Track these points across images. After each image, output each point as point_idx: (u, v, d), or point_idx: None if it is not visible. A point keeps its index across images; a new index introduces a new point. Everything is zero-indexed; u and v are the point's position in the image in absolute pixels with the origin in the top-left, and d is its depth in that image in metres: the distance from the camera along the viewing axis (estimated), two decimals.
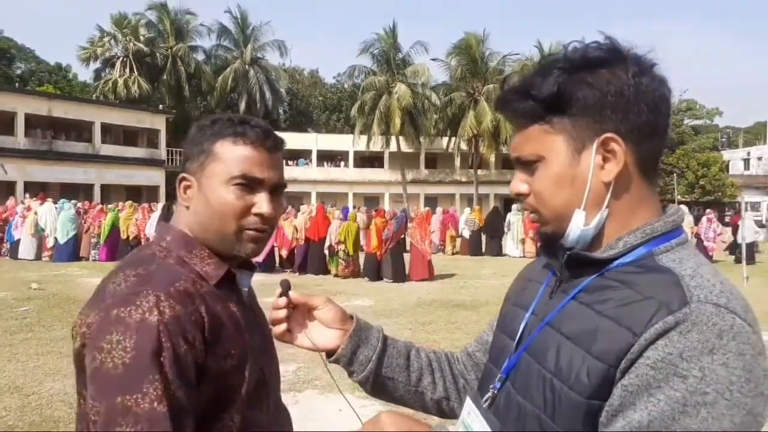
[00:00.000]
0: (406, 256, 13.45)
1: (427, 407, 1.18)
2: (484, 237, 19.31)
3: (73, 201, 17.95)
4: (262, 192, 1.13)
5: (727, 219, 34.45)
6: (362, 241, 14.55)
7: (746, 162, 57.36)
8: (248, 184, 1.11)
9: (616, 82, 0.86)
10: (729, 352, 0.73)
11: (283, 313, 1.08)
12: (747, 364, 0.73)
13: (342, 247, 13.41)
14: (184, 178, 1.16)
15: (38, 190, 25.33)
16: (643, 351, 0.75)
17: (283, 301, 1.08)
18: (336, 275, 13.49)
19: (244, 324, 1.12)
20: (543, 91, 0.87)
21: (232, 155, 1.11)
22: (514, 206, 19.80)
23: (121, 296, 0.99)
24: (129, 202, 17.39)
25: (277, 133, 1.20)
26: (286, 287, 1.11)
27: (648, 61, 0.88)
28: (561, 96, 0.86)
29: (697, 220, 16.26)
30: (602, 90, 0.85)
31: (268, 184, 1.14)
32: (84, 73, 49.02)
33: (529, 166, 0.92)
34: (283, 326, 1.08)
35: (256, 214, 1.12)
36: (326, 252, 13.70)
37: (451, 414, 1.18)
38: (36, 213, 16.40)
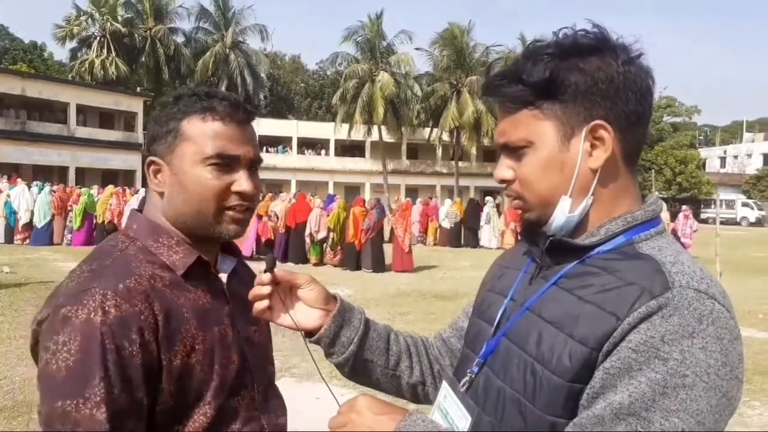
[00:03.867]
0: (386, 247, 13.47)
1: (402, 391, 1.17)
2: (463, 229, 19.43)
3: (47, 183, 17.60)
4: (240, 169, 1.08)
5: (702, 216, 35.18)
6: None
7: (722, 160, 58.56)
8: (223, 163, 1.07)
9: (607, 69, 0.86)
10: (708, 336, 0.75)
11: (266, 289, 1.04)
12: (724, 348, 0.75)
13: (332, 235, 13.48)
14: (153, 162, 1.10)
15: (11, 171, 24.76)
16: (625, 335, 0.76)
17: (267, 277, 1.04)
18: (315, 264, 13.48)
19: (216, 314, 1.09)
20: (534, 76, 0.87)
21: (203, 133, 1.06)
22: (488, 198, 20.04)
23: (71, 294, 0.97)
24: (110, 186, 17.13)
25: (247, 104, 1.14)
26: (271, 263, 1.07)
27: (635, 50, 0.89)
28: (553, 81, 0.86)
29: (673, 217, 16.54)
30: (593, 76, 0.86)
31: (245, 161, 1.09)
32: (60, 53, 47.98)
33: (516, 151, 0.92)
34: (264, 303, 1.05)
35: (236, 193, 1.08)
36: (307, 240, 13.67)
37: (425, 399, 1.18)
38: (9, 195, 16.05)
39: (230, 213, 1.08)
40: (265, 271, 1.05)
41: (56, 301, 0.97)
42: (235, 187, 1.07)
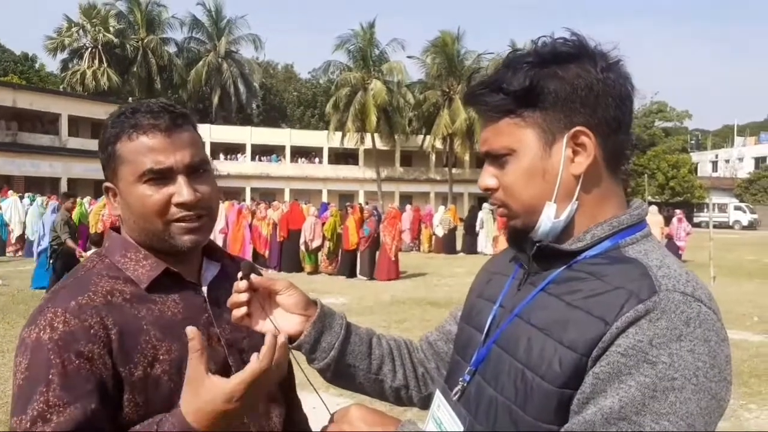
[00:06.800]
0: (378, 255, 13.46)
1: (386, 395, 1.16)
2: (459, 235, 19.42)
3: (38, 195, 17.51)
4: (176, 178, 1.05)
5: (695, 220, 35.35)
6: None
7: (714, 164, 58.98)
8: (159, 177, 1.05)
9: (586, 76, 0.87)
10: (696, 338, 0.75)
11: (243, 296, 1.03)
12: (712, 350, 0.76)
13: (328, 243, 13.46)
14: (107, 188, 1.12)
15: (2, 183, 24.65)
16: (614, 339, 0.77)
17: (243, 284, 1.03)
18: (310, 272, 13.46)
19: (188, 323, 1.04)
20: (514, 85, 0.88)
21: (133, 152, 1.05)
22: (485, 204, 19.97)
23: (31, 316, 1.01)
24: (103, 197, 17.05)
25: (173, 105, 1.11)
26: (248, 270, 1.06)
27: (614, 57, 0.90)
28: (532, 89, 0.87)
29: (667, 221, 16.59)
30: (572, 84, 0.87)
31: (179, 168, 1.05)
32: (51, 64, 47.87)
33: (498, 159, 0.92)
34: (243, 310, 1.03)
35: (177, 204, 1.05)
36: (301, 248, 13.64)
37: (408, 402, 1.18)
38: (0, 207, 15.95)
39: (178, 225, 1.06)
40: (242, 278, 1.04)
41: (25, 324, 1.02)
42: (175, 199, 1.05)
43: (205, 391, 0.91)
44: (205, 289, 1.15)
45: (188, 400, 0.92)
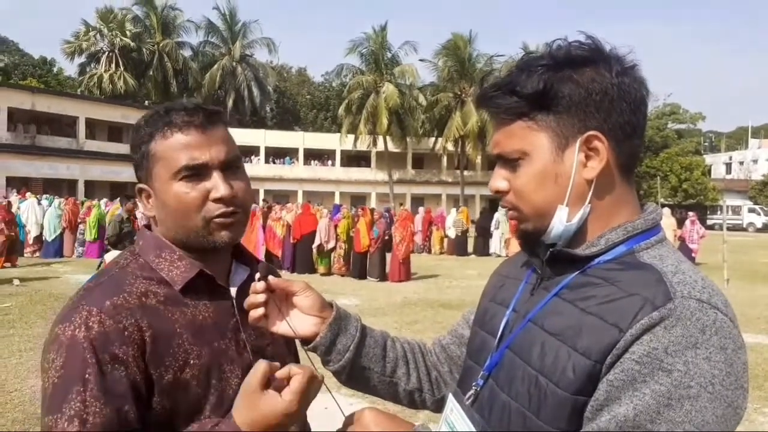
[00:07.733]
0: (388, 256, 13.47)
1: (399, 398, 1.17)
2: (471, 237, 19.36)
3: (56, 197, 17.71)
4: (212, 174, 1.06)
5: (709, 222, 34.93)
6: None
7: (728, 166, 58.26)
8: (195, 173, 1.05)
9: (601, 80, 0.87)
10: (711, 346, 0.75)
11: (261, 297, 1.03)
12: (728, 358, 0.75)
13: (344, 245, 13.51)
14: (141, 189, 1.12)
15: (21, 185, 24.98)
16: (628, 346, 0.76)
17: (261, 285, 1.03)
18: (323, 274, 13.49)
19: (218, 328, 1.08)
20: (528, 88, 0.87)
21: (167, 149, 1.05)
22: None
23: (64, 312, 1.01)
24: (119, 199, 17.29)
25: (211, 107, 1.11)
26: (265, 271, 1.06)
27: (629, 61, 0.89)
28: (546, 93, 0.87)
29: (680, 224, 16.43)
30: (587, 88, 0.86)
31: (215, 164, 1.06)
32: (69, 68, 48.48)
33: (510, 162, 0.92)
34: (260, 311, 1.03)
35: (215, 200, 1.05)
36: (314, 250, 13.69)
37: (421, 405, 1.18)
38: (19, 208, 16.17)
39: (217, 221, 1.06)
40: (259, 280, 1.05)
41: (55, 319, 1.01)
42: (212, 195, 1.06)
43: (264, 404, 0.93)
44: (234, 291, 1.15)
45: (244, 412, 0.94)
